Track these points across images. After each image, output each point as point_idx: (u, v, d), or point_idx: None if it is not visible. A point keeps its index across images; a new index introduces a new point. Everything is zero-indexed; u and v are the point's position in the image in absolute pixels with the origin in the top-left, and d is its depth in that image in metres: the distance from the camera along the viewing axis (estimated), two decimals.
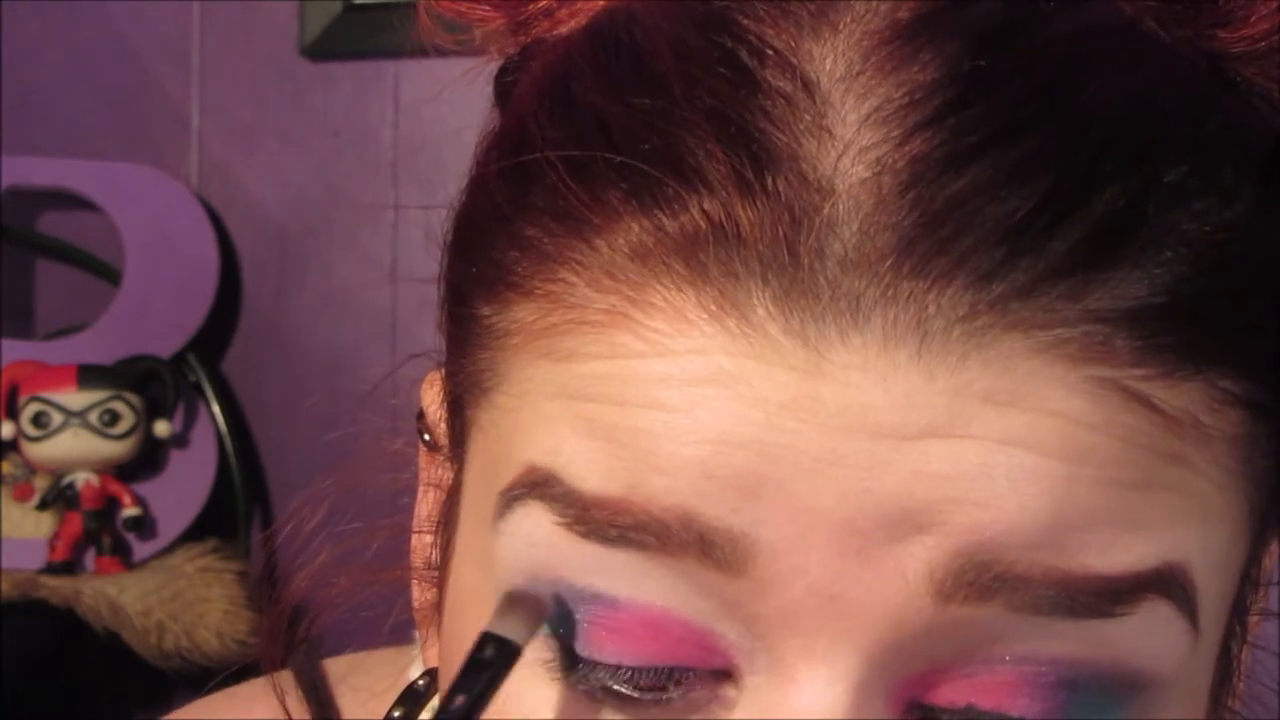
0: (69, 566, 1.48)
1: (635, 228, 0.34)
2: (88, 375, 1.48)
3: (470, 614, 0.38)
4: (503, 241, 0.37)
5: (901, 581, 0.33)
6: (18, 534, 1.51)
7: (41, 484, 1.52)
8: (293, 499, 0.50)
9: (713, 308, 0.33)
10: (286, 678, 0.54)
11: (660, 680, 0.35)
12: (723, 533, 0.33)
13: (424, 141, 1.58)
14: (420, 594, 0.45)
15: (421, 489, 0.45)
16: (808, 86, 0.34)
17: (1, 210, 1.60)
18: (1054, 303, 0.33)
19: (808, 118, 0.34)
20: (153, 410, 1.52)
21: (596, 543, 0.34)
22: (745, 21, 0.35)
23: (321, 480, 0.50)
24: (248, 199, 1.63)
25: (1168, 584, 0.34)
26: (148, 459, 1.53)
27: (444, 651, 0.41)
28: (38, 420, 1.48)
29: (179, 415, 1.53)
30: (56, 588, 1.42)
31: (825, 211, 0.33)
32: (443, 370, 0.43)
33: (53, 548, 1.49)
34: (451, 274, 0.41)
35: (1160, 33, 0.37)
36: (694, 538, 0.33)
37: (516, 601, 0.36)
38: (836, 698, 0.34)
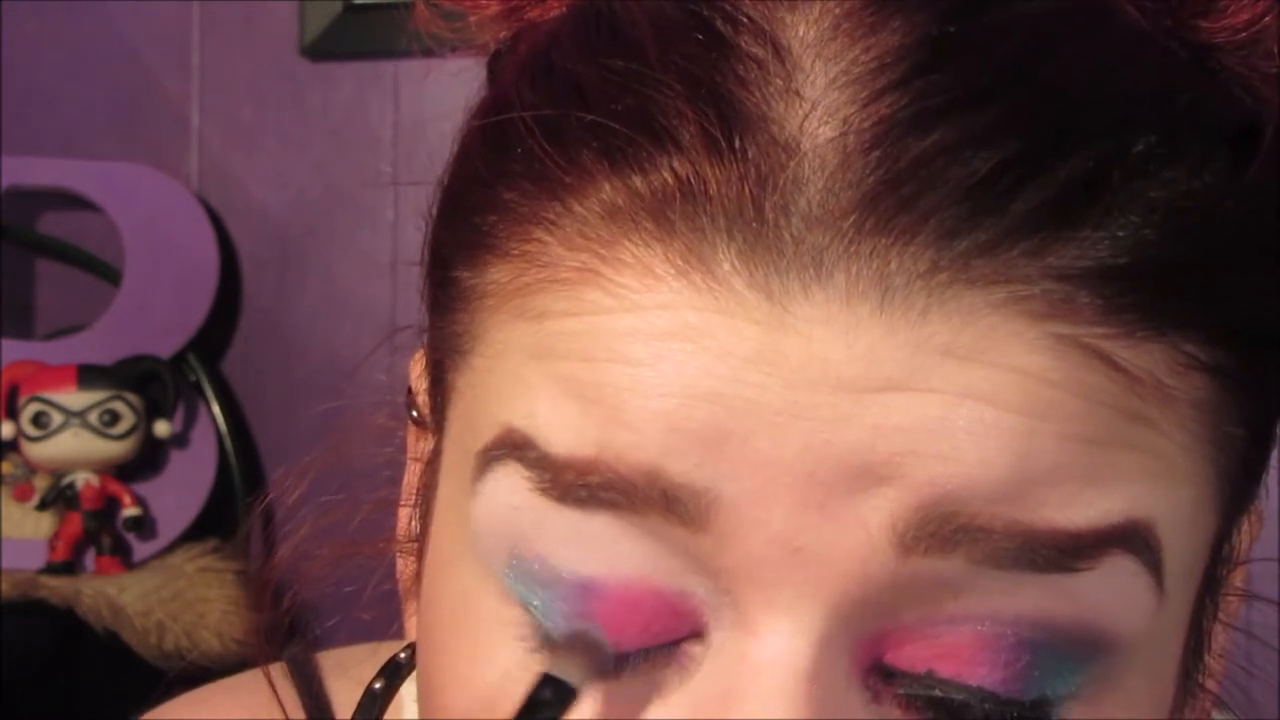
0: (69, 566, 1.48)
1: (607, 187, 0.35)
2: (88, 375, 1.48)
3: (446, 578, 0.39)
4: (481, 205, 0.38)
5: (864, 534, 0.33)
6: (18, 534, 1.51)
7: (41, 484, 1.52)
8: (275, 477, 0.50)
9: (679, 263, 0.34)
10: (279, 670, 0.54)
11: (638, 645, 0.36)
12: (686, 488, 0.34)
13: (424, 141, 1.58)
14: (405, 566, 0.46)
15: (409, 464, 0.46)
16: (779, 51, 0.35)
17: (1, 210, 1.60)
18: (1015, 260, 0.33)
19: (778, 81, 0.34)
20: (153, 410, 1.52)
21: (570, 506, 0.35)
22: None
23: (309, 455, 0.50)
24: (248, 199, 1.63)
25: (1131, 539, 0.34)
26: (148, 459, 1.53)
27: (423, 616, 0.41)
28: (38, 420, 1.48)
29: (179, 415, 1.53)
30: (56, 588, 1.42)
31: (791, 170, 0.33)
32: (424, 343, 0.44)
33: (53, 548, 1.49)
34: (434, 242, 0.41)
35: (1137, 18, 0.37)
36: (658, 494, 0.34)
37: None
38: (799, 650, 0.34)
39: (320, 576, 0.49)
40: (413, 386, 0.45)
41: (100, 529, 1.49)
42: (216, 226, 1.60)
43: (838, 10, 0.35)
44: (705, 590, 0.35)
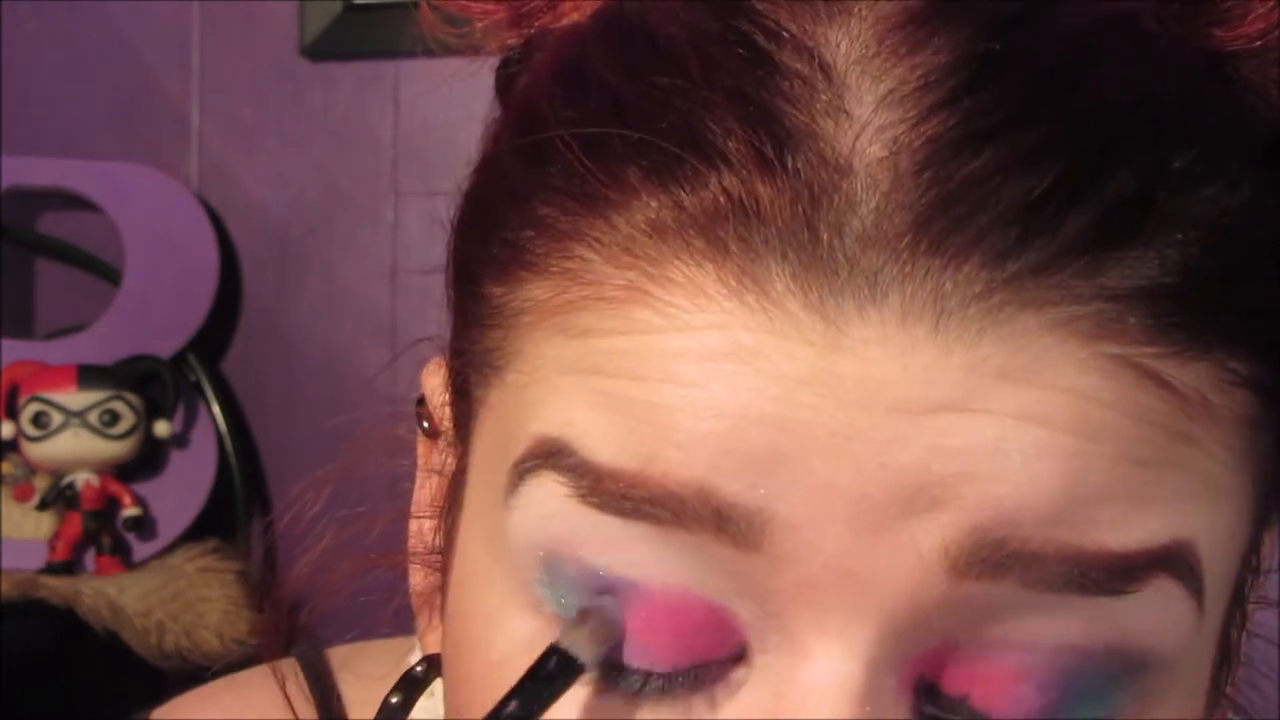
0: (69, 566, 1.48)
1: (654, 204, 0.35)
2: (88, 375, 1.48)
3: (478, 594, 0.38)
4: (516, 220, 0.37)
5: (916, 558, 0.33)
6: (18, 534, 1.51)
7: (41, 484, 1.52)
8: (293, 490, 0.49)
9: (732, 283, 0.34)
10: (289, 665, 0.54)
11: (681, 663, 0.35)
12: (739, 508, 0.33)
13: (424, 142, 1.58)
14: (419, 580, 0.45)
15: (420, 476, 0.45)
16: (824, 69, 0.35)
17: (1, 210, 1.60)
18: (1067, 281, 0.33)
19: (825, 98, 0.34)
20: (153, 410, 1.52)
21: (611, 514, 0.34)
22: (760, 6, 0.36)
23: (324, 468, 0.50)
24: (248, 199, 1.63)
25: (1176, 561, 0.34)
26: (148, 459, 1.53)
27: (449, 634, 0.41)
28: (38, 420, 1.48)
29: (179, 415, 1.53)
30: (56, 588, 1.42)
31: (844, 189, 0.33)
32: (446, 355, 0.43)
33: (53, 548, 1.49)
34: (460, 255, 0.41)
35: (1160, 29, 0.37)
36: (710, 512, 0.33)
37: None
38: (850, 672, 0.34)
39: (339, 589, 0.49)
40: (426, 397, 0.45)
41: (100, 529, 1.49)
42: (216, 226, 1.60)
43: (878, 27, 0.35)
44: (749, 612, 0.35)
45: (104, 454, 1.48)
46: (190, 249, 1.58)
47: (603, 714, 0.36)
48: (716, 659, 0.35)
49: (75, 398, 1.47)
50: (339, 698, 0.53)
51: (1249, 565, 0.39)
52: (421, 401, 0.45)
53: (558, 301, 0.36)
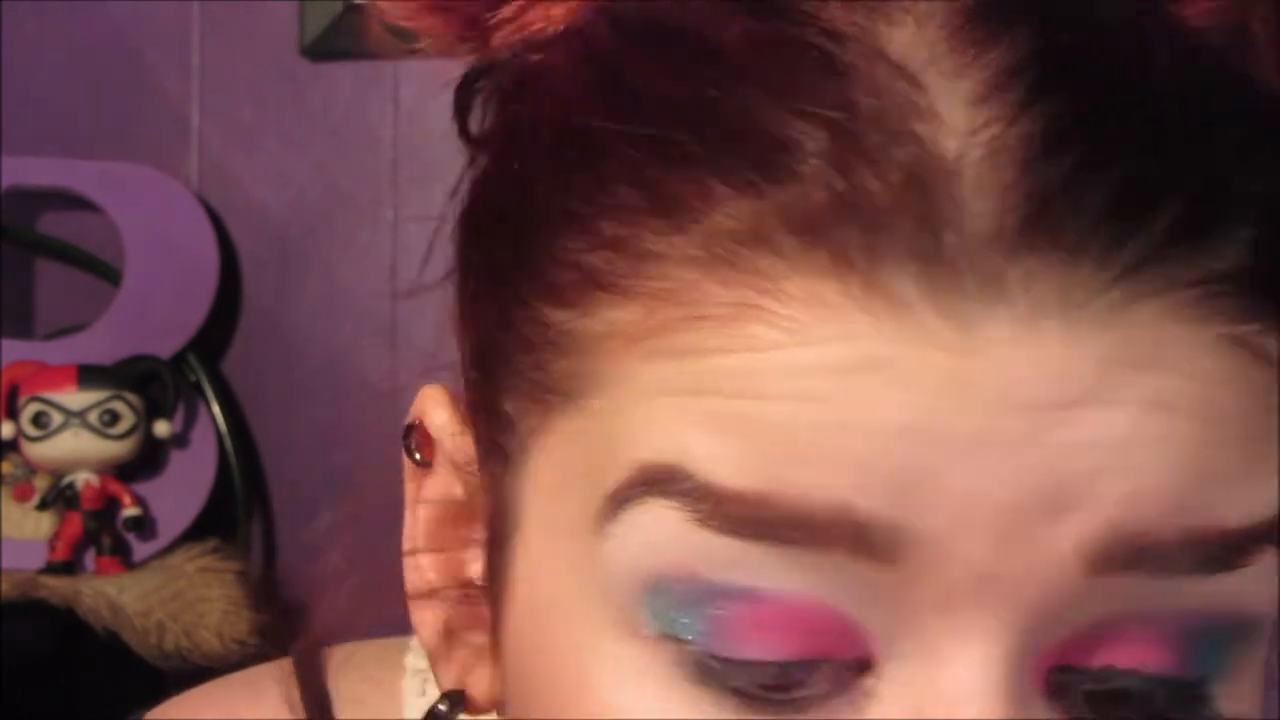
0: (69, 566, 1.48)
1: (752, 213, 0.34)
2: (88, 375, 1.48)
3: (561, 627, 0.37)
4: (578, 243, 0.36)
5: (1055, 559, 0.34)
6: (18, 534, 1.51)
7: (41, 484, 1.52)
8: (297, 510, 0.49)
9: (858, 293, 0.33)
10: (285, 665, 0.53)
11: (795, 678, 0.35)
12: (878, 527, 0.33)
13: (424, 141, 1.58)
14: (430, 618, 0.43)
15: (410, 508, 0.43)
16: (900, 70, 0.34)
17: (1, 210, 1.60)
18: (1172, 268, 0.34)
19: (910, 100, 0.34)
20: (152, 410, 1.52)
21: (732, 537, 0.34)
22: (807, 7, 0.35)
23: (339, 511, 0.49)
24: (248, 199, 1.63)
25: (1275, 532, 0.35)
26: (148, 459, 1.53)
27: (518, 670, 0.39)
28: (38, 420, 1.48)
29: (179, 415, 1.53)
30: (56, 588, 1.42)
31: (954, 192, 0.33)
32: (463, 381, 0.42)
33: (53, 548, 1.49)
34: (492, 277, 0.39)
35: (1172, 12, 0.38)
36: (848, 533, 0.33)
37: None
38: (991, 676, 0.34)
39: (360, 626, 0.49)
40: (426, 426, 0.43)
41: (100, 529, 1.49)
42: (216, 226, 1.60)
43: (940, 26, 0.35)
44: (880, 621, 0.34)
45: (104, 454, 1.48)
46: (190, 249, 1.58)
47: (707, 713, 0.35)
48: (834, 660, 0.35)
49: (75, 398, 1.47)
50: (329, 699, 0.52)
51: None
52: (410, 431, 0.43)
53: (651, 324, 0.35)
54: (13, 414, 1.49)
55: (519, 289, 0.38)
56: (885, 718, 0.35)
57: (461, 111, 0.43)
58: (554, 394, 0.37)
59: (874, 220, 0.33)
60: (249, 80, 1.63)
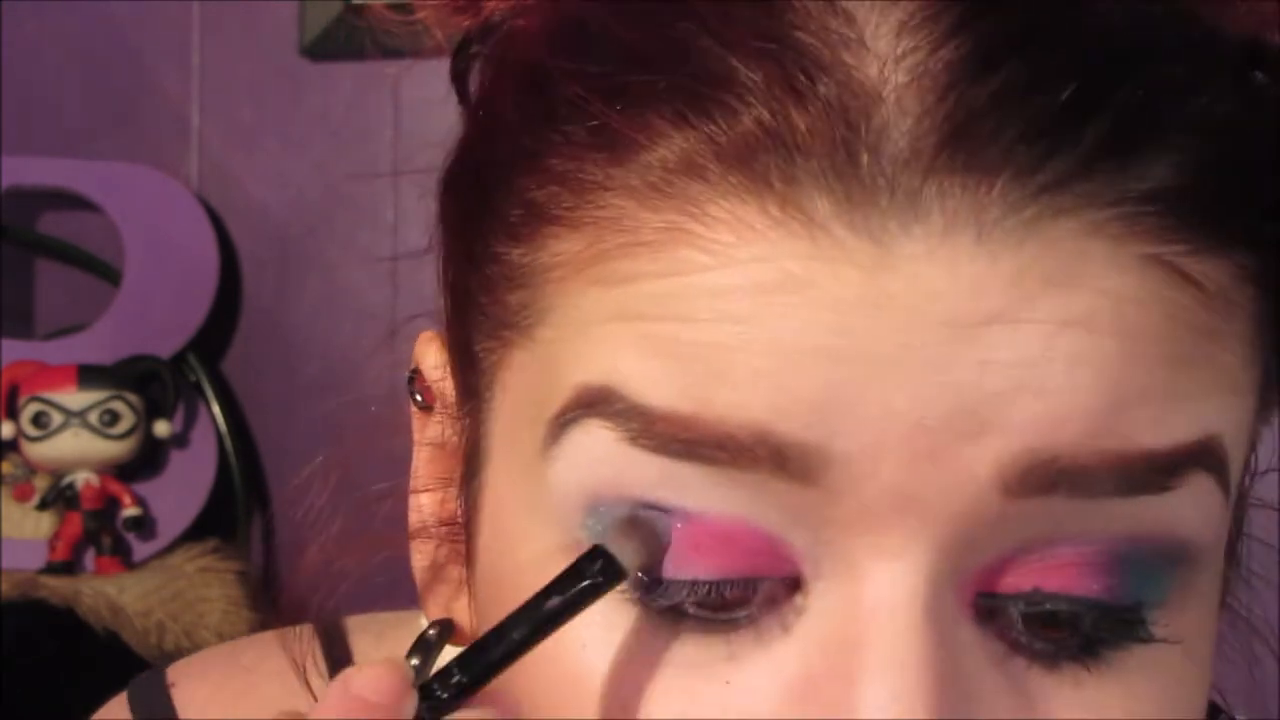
0: (69, 566, 1.48)
1: (685, 145, 0.35)
2: (88, 375, 1.48)
3: (516, 553, 0.39)
4: (531, 180, 0.37)
5: (971, 481, 0.34)
6: (18, 534, 1.51)
7: (41, 484, 1.52)
8: (297, 480, 0.49)
9: (776, 213, 0.34)
10: (306, 629, 0.54)
11: (733, 596, 0.36)
12: (796, 447, 0.34)
13: (424, 141, 1.58)
14: (422, 556, 0.45)
15: (416, 450, 0.45)
16: (833, 4, 0.35)
17: (1, 210, 1.60)
18: (1093, 187, 0.34)
19: (843, 31, 0.35)
20: (153, 410, 1.52)
21: (663, 456, 0.35)
22: None
23: (326, 454, 0.50)
24: (248, 199, 1.63)
25: (1209, 456, 0.36)
26: (148, 459, 1.53)
27: (483, 599, 0.41)
28: (38, 420, 1.48)
29: (179, 415, 1.53)
30: (56, 588, 1.42)
31: (876, 116, 0.34)
32: (443, 328, 0.43)
33: (53, 548, 1.49)
34: (460, 228, 0.41)
35: None
36: (768, 453, 0.34)
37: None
38: (910, 590, 0.34)
39: (349, 574, 0.49)
40: (421, 370, 0.45)
41: (100, 529, 1.49)
42: (216, 226, 1.60)
43: None
44: (804, 541, 0.35)
45: (104, 454, 1.48)
46: (190, 249, 1.58)
47: (639, 638, 0.36)
48: (767, 577, 0.36)
49: (75, 398, 1.47)
50: (352, 659, 0.53)
51: (1247, 466, 0.41)
52: (414, 376, 0.45)
53: (591, 253, 0.36)
54: (13, 414, 1.49)
55: (481, 230, 0.39)
56: (811, 638, 0.35)
57: (458, 79, 0.44)
58: (510, 328, 0.39)
59: (796, 145, 0.34)
60: (249, 80, 1.63)
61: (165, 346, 1.55)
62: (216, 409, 1.58)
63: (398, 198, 1.60)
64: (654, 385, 0.35)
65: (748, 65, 0.34)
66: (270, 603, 1.52)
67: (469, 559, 0.42)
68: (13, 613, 1.41)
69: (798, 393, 0.34)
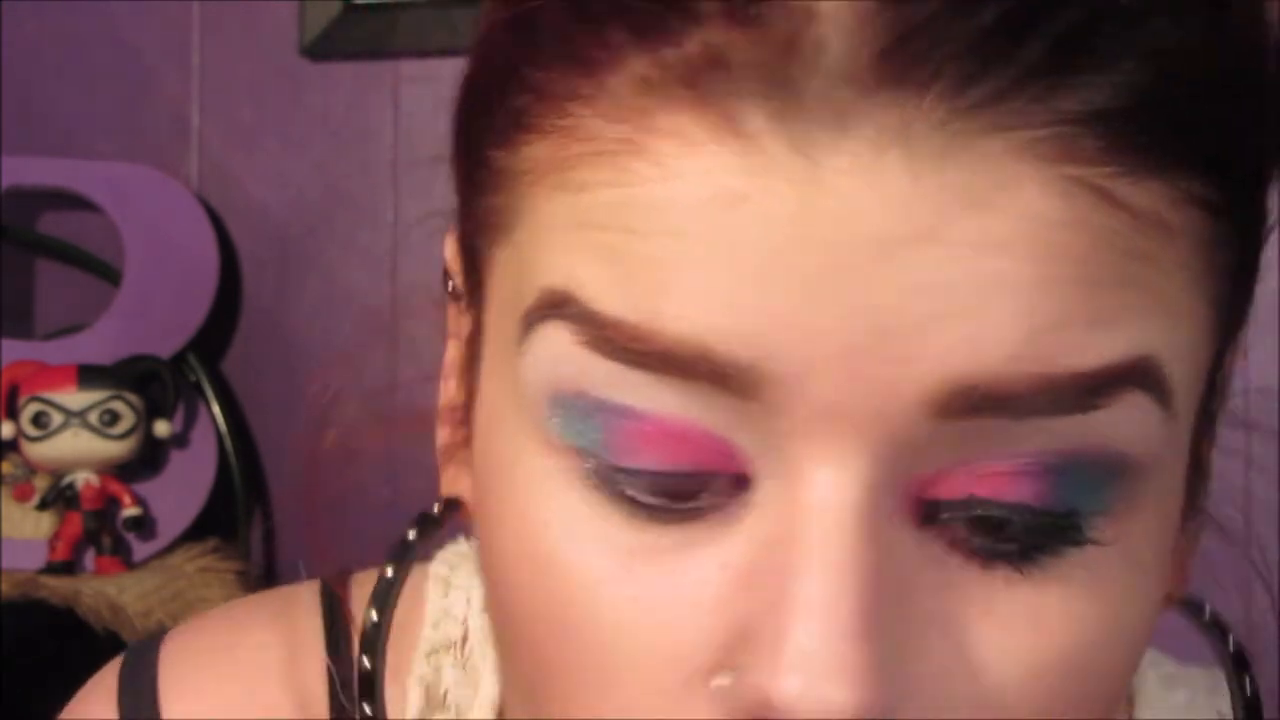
0: (69, 566, 1.48)
1: (640, 62, 0.36)
2: (88, 375, 1.48)
3: (499, 439, 0.41)
4: (513, 88, 0.39)
5: (899, 402, 0.35)
6: (18, 534, 1.51)
7: (41, 484, 1.52)
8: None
9: (715, 128, 0.35)
10: (309, 588, 0.57)
11: (687, 489, 0.37)
12: (733, 365, 0.35)
13: (424, 141, 1.58)
14: (444, 436, 0.48)
15: (449, 340, 0.48)
16: None
17: (1, 210, 1.61)
18: (1024, 106, 0.34)
19: None
20: (153, 410, 1.52)
21: (616, 360, 0.37)
22: None
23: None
24: (248, 199, 1.63)
25: (1141, 375, 0.37)
26: (148, 459, 1.53)
27: (476, 481, 0.43)
28: (38, 420, 1.48)
29: (179, 415, 1.53)
30: (56, 588, 1.42)
31: (811, 34, 0.35)
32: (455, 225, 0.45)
33: (53, 548, 1.49)
34: (464, 131, 0.43)
35: None
36: (708, 370, 0.36)
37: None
38: (849, 490, 0.36)
39: (368, 460, 0.52)
40: (448, 266, 0.47)
41: (100, 529, 1.49)
42: (216, 226, 1.60)
43: None
44: (751, 443, 0.37)
45: (104, 454, 1.48)
46: (190, 249, 1.58)
47: (596, 523, 0.38)
48: (720, 474, 0.37)
49: (75, 398, 1.47)
50: (351, 620, 0.55)
51: (1215, 385, 0.42)
52: (448, 272, 0.47)
53: (556, 159, 0.38)
54: (13, 414, 1.49)
55: (474, 139, 0.42)
56: (758, 528, 0.37)
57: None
58: (494, 228, 0.41)
59: (735, 63, 0.35)
60: (249, 80, 1.63)
61: (165, 346, 1.55)
62: (216, 409, 1.58)
63: (398, 198, 1.60)
64: (605, 293, 0.37)
65: None
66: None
67: (469, 440, 0.44)
68: (13, 613, 1.41)
69: (734, 312, 0.35)
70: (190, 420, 1.56)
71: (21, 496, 1.52)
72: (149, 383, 1.52)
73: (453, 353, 0.47)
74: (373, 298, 1.60)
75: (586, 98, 0.37)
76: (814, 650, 0.35)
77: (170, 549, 1.52)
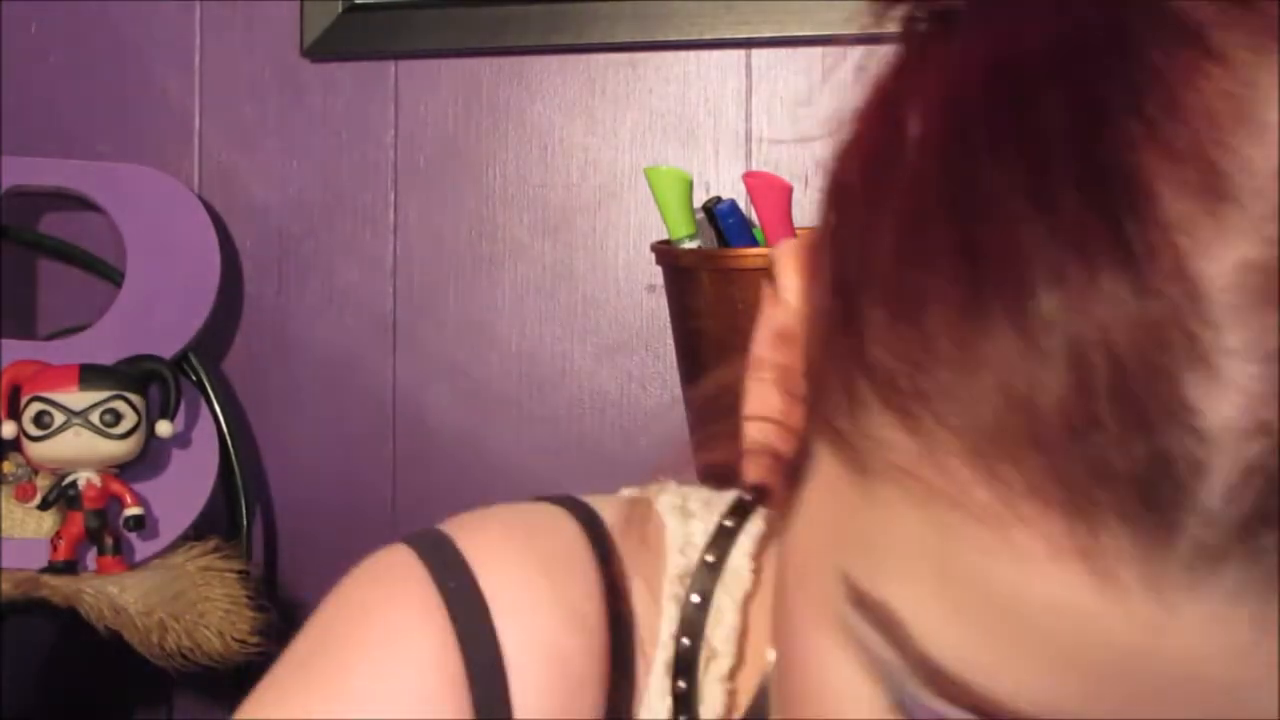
0: (71, 566, 1.49)
1: (1011, 437, 0.34)
2: (89, 375, 1.49)
3: (808, 581, 0.41)
4: (888, 329, 0.36)
5: None
6: (19, 533, 1.52)
7: (43, 483, 1.52)
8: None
9: (1081, 547, 0.33)
10: (546, 509, 0.57)
11: None
12: None
13: (424, 141, 1.59)
14: (755, 392, 0.46)
15: (762, 317, 0.45)
16: (1194, 294, 0.32)
17: (2, 210, 1.61)
18: None
19: (1190, 337, 0.32)
20: (154, 410, 1.52)
21: (930, 685, 0.37)
22: (1151, 186, 0.33)
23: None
24: (249, 199, 1.64)
25: None
26: (149, 459, 1.54)
27: (784, 569, 0.43)
28: (39, 420, 1.48)
29: (180, 415, 1.54)
30: (58, 587, 1.42)
31: (1198, 458, 0.32)
32: (810, 252, 0.43)
33: (54, 547, 1.49)
34: (832, 298, 0.40)
35: None
36: None
37: None
38: None
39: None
40: (778, 271, 0.44)
41: (102, 528, 1.49)
42: (218, 227, 1.61)
43: (1255, 256, 0.32)
44: None
45: (105, 453, 1.49)
46: (191, 249, 1.59)
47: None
48: None
49: (77, 397, 1.48)
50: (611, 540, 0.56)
51: None
52: (772, 264, 0.45)
53: (924, 477, 0.36)
54: (14, 414, 1.50)
55: (846, 327, 0.38)
56: None
57: (911, 53, 0.41)
58: (847, 449, 0.38)
59: (1112, 476, 0.33)
60: (250, 80, 1.63)
61: (167, 346, 1.56)
62: (218, 409, 1.58)
63: (398, 198, 1.60)
64: (946, 648, 0.36)
65: (1094, 357, 0.33)
66: (271, 602, 1.53)
67: (786, 510, 0.44)
68: (14, 612, 1.42)
69: (1056, 709, 0.35)
70: (191, 420, 1.56)
71: (23, 496, 1.53)
72: (150, 382, 1.52)
73: (764, 336, 0.45)
74: (373, 298, 1.60)
75: (962, 446, 0.35)
76: None
77: (172, 548, 1.52)
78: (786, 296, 0.44)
